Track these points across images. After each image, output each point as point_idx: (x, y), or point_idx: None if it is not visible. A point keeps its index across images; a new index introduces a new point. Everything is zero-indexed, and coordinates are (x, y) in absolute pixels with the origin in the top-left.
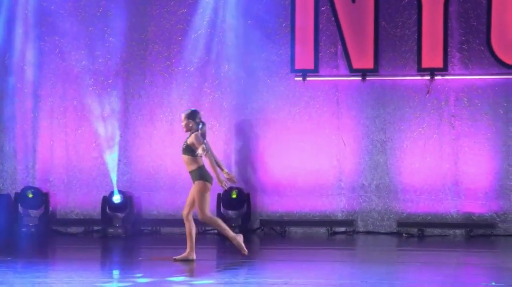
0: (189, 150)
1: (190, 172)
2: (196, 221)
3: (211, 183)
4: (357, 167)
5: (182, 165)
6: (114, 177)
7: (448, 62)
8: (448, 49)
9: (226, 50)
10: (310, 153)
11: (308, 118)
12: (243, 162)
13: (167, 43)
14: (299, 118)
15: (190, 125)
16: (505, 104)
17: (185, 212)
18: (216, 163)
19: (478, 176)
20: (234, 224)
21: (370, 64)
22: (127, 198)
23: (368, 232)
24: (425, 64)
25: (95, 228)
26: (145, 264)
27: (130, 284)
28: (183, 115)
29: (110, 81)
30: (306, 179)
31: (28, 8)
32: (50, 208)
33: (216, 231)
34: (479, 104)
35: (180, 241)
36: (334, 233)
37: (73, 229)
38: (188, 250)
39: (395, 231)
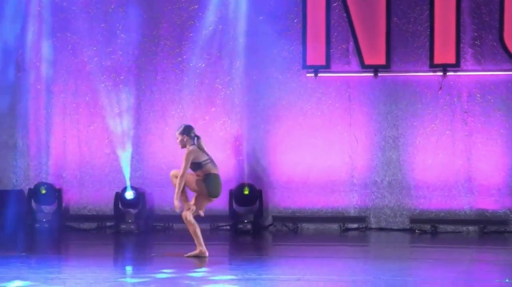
0: (194, 166)
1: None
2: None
3: (213, 194)
4: (370, 163)
5: None
6: (127, 173)
7: (461, 58)
8: (461, 45)
9: (237, 46)
10: (322, 149)
11: (320, 114)
12: (255, 158)
13: (178, 39)
14: (311, 114)
15: (185, 140)
16: None
17: (184, 214)
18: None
19: (491, 172)
20: (246, 221)
21: (382, 60)
22: (140, 194)
23: (381, 229)
24: (437, 60)
25: (108, 224)
26: (158, 260)
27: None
28: (177, 133)
29: (122, 77)
30: (318, 176)
31: (41, 4)
32: (63, 204)
33: (228, 227)
34: (492, 100)
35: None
36: (346, 229)
37: (86, 225)
38: (199, 248)
39: (407, 227)
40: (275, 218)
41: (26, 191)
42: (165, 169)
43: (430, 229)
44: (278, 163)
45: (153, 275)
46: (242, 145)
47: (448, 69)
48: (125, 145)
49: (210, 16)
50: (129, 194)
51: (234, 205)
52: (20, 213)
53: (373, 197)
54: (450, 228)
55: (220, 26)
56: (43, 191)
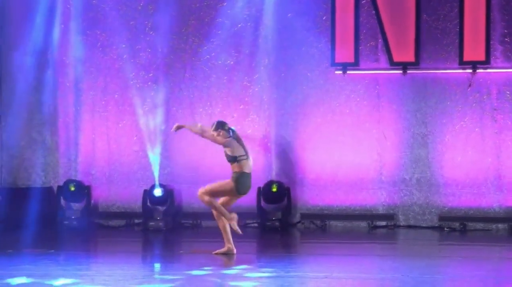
0: (230, 158)
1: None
2: None
3: (241, 192)
4: (398, 160)
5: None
6: (156, 170)
7: (490, 55)
8: (490, 42)
9: (265, 43)
10: (350, 146)
11: (348, 112)
12: (283, 156)
13: (207, 36)
14: (340, 111)
15: (221, 134)
16: None
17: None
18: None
19: None
20: (274, 218)
21: (411, 57)
22: (168, 192)
23: (409, 226)
24: (467, 57)
25: (136, 221)
26: (186, 258)
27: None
28: (212, 131)
29: (150, 74)
30: (346, 173)
31: (70, 2)
32: (92, 201)
33: (256, 224)
34: None
35: (220, 234)
36: (375, 227)
37: (114, 222)
38: (227, 245)
39: (436, 225)
40: (303, 216)
41: (55, 188)
42: (193, 167)
43: (459, 227)
44: (306, 160)
45: (181, 272)
46: (270, 143)
47: (477, 66)
48: (153, 142)
49: (239, 14)
50: (158, 191)
51: (262, 202)
52: (49, 211)
53: (402, 195)
54: (479, 225)
55: (249, 24)
56: (72, 189)
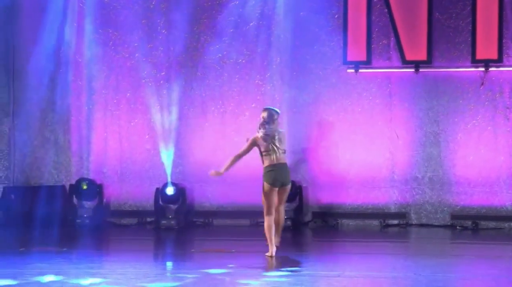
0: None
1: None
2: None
3: (270, 184)
4: (410, 159)
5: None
6: (168, 169)
7: (503, 53)
8: (503, 40)
9: (277, 42)
10: (362, 145)
11: (360, 110)
12: (295, 155)
13: (218, 35)
14: (352, 110)
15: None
16: None
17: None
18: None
19: None
20: (286, 217)
21: (423, 56)
22: (180, 190)
23: (422, 225)
24: (479, 55)
25: (148, 219)
26: (198, 256)
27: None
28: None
29: (163, 73)
30: (358, 171)
31: (82, 1)
32: (104, 200)
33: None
34: None
35: (232, 233)
36: (387, 225)
37: (126, 221)
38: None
39: (449, 224)
40: (315, 214)
41: (67, 187)
42: (205, 165)
43: (471, 226)
44: (318, 159)
45: (193, 271)
46: None
47: (490, 64)
48: (165, 141)
49: (251, 12)
50: (170, 190)
51: None
52: (61, 209)
53: (414, 193)
54: (491, 224)
55: (261, 22)
56: (84, 187)
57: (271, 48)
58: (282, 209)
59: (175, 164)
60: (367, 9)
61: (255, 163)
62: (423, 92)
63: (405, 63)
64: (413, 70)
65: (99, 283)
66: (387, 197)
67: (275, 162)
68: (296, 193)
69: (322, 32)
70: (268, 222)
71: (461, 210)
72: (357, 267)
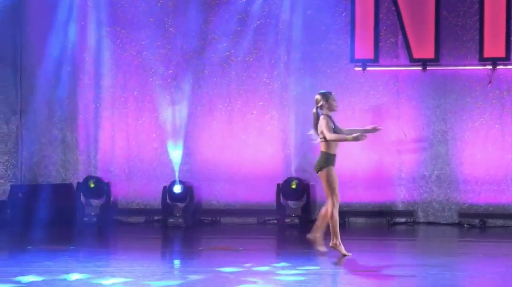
0: None
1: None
2: None
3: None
4: (418, 157)
5: (241, 155)
6: (176, 167)
7: (511, 51)
8: (511, 38)
9: (285, 40)
10: (370, 143)
11: (368, 108)
12: (303, 152)
13: (226, 33)
14: (359, 108)
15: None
16: None
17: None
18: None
19: None
20: (294, 215)
21: (431, 54)
22: (187, 188)
23: (429, 223)
24: (487, 53)
25: (156, 218)
26: (205, 254)
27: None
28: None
29: (170, 71)
30: (366, 170)
31: None
32: (112, 198)
33: (276, 221)
34: None
35: (239, 231)
36: (394, 223)
37: (134, 219)
38: (333, 238)
39: (456, 222)
40: None
41: (75, 185)
42: (213, 163)
43: (479, 224)
44: None
45: (200, 269)
46: (290, 139)
47: (497, 62)
48: (173, 139)
49: (258, 10)
50: (177, 188)
51: (282, 199)
52: (68, 207)
53: (421, 191)
54: (499, 222)
55: (268, 20)
56: (92, 185)
57: (279, 46)
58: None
59: (182, 162)
60: (375, 7)
61: (261, 161)
62: (431, 90)
63: (413, 61)
64: (420, 68)
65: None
66: (394, 195)
67: (326, 149)
68: (304, 191)
69: (330, 30)
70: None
71: (469, 208)
72: (364, 265)
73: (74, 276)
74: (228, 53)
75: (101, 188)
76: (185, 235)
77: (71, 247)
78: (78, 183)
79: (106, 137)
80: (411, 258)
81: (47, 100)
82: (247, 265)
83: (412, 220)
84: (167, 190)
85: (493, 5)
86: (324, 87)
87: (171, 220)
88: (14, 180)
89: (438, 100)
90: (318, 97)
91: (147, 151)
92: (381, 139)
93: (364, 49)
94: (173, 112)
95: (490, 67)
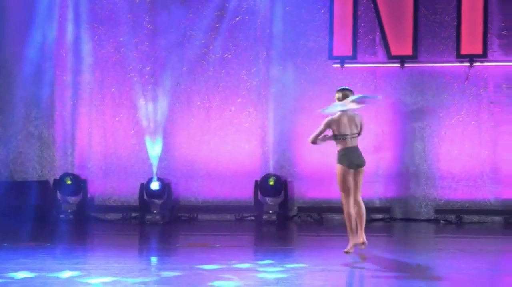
0: None
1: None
2: None
3: (346, 166)
4: (395, 153)
5: (219, 152)
6: (154, 164)
7: (488, 48)
8: (488, 35)
9: (263, 37)
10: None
11: None
12: (281, 149)
13: (204, 30)
14: None
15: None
16: None
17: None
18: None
19: None
20: (271, 211)
21: (408, 51)
22: (165, 185)
23: (406, 219)
24: (464, 50)
25: (133, 214)
26: (183, 251)
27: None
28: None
29: (148, 68)
30: None
31: None
32: (89, 195)
33: (253, 217)
34: None
35: (217, 227)
36: (371, 220)
37: (111, 216)
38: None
39: (432, 218)
40: (300, 209)
41: (51, 182)
42: (190, 160)
43: (455, 220)
44: (303, 154)
45: (178, 265)
46: (268, 136)
47: (474, 59)
48: (151, 136)
49: (237, 7)
50: (155, 185)
51: (259, 196)
52: (45, 204)
53: (398, 188)
54: (475, 218)
55: (247, 17)
56: (68, 182)
57: (257, 43)
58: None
59: (160, 159)
60: (353, 4)
61: (239, 157)
62: (409, 87)
63: (391, 58)
64: (398, 65)
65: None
66: (371, 192)
67: (347, 145)
68: (281, 188)
69: (308, 27)
70: (348, 209)
71: (445, 204)
72: (341, 261)
73: (50, 274)
74: (206, 49)
75: (78, 185)
76: (162, 232)
77: (48, 245)
78: (54, 180)
79: (83, 134)
80: (388, 254)
81: (24, 97)
82: (225, 261)
83: (389, 216)
84: (145, 187)
85: (471, 2)
86: (302, 83)
87: (148, 217)
88: None
89: (415, 96)
90: (338, 94)
91: (125, 148)
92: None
93: (343, 46)
94: (151, 109)
95: (467, 64)
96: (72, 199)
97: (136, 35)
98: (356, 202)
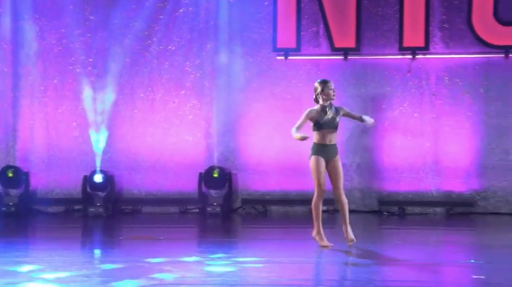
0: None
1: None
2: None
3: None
4: (339, 146)
5: (163, 144)
6: (97, 156)
7: (430, 41)
8: (429, 28)
9: (207, 29)
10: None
11: (290, 97)
12: (225, 142)
13: (148, 21)
14: (281, 97)
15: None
16: (485, 83)
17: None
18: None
19: (458, 154)
20: (216, 203)
21: (352, 43)
22: (108, 177)
23: (350, 211)
24: (406, 43)
25: (76, 207)
26: (126, 244)
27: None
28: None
29: (90, 59)
30: (288, 158)
31: None
32: (31, 187)
33: (197, 210)
34: (460, 83)
35: (161, 220)
36: None
37: (53, 209)
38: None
39: (376, 209)
40: (245, 201)
41: None
42: (134, 152)
43: (398, 211)
44: (248, 146)
45: (120, 258)
46: (212, 128)
47: (417, 52)
48: (94, 128)
49: None
50: (98, 177)
51: (204, 188)
52: None
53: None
54: (417, 210)
55: (191, 9)
56: (10, 175)
57: (201, 34)
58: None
59: (103, 151)
60: None
61: (183, 150)
62: (352, 79)
63: (334, 50)
64: (342, 57)
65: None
66: None
67: (325, 142)
68: (226, 180)
69: (253, 19)
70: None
71: (388, 196)
72: (286, 253)
73: None
74: (150, 41)
75: (19, 177)
76: (105, 224)
77: None
78: None
79: (25, 126)
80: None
81: None
82: (169, 254)
83: (332, 208)
84: (88, 179)
85: None
86: (246, 75)
87: (91, 209)
88: None
89: (359, 89)
90: (316, 85)
91: (67, 140)
92: (302, 128)
93: (286, 38)
94: (94, 101)
95: (410, 56)
96: (14, 192)
97: (78, 27)
98: (335, 197)
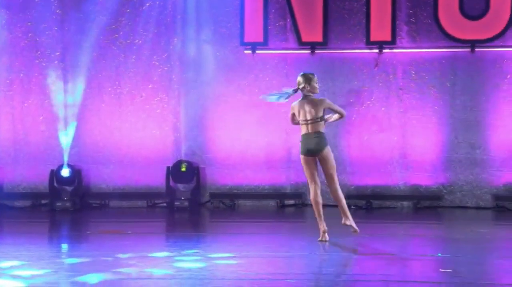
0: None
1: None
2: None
3: (302, 153)
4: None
5: (130, 138)
6: (64, 150)
7: (396, 35)
8: (396, 22)
9: (174, 22)
10: (259, 126)
11: (257, 91)
12: (193, 136)
13: (115, 15)
14: (249, 91)
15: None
16: (451, 77)
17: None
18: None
19: (425, 148)
20: (184, 197)
21: (319, 38)
22: (76, 172)
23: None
24: (373, 37)
25: (43, 201)
26: (93, 238)
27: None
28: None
29: (57, 53)
30: (255, 152)
31: None
32: None
33: (165, 204)
34: (426, 77)
35: (128, 214)
36: (283, 205)
37: (20, 203)
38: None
39: None
40: (213, 195)
41: None
42: (101, 147)
43: (366, 205)
44: (215, 140)
45: (88, 253)
46: (180, 122)
47: (384, 46)
48: (61, 122)
49: None
50: (65, 172)
51: (171, 182)
52: None
53: None
54: (385, 203)
55: (157, 2)
56: None
57: (169, 28)
58: (334, 187)
59: (71, 146)
60: None
61: (151, 144)
62: (319, 73)
63: (302, 44)
64: (309, 51)
65: None
66: (283, 178)
67: (306, 131)
68: (194, 174)
69: (220, 13)
70: (312, 196)
71: (356, 190)
72: (254, 247)
73: None
74: (117, 35)
75: None
76: (73, 219)
77: None
78: None
79: None
80: (300, 239)
81: None
82: (136, 248)
83: (300, 202)
84: (55, 174)
85: None
86: (214, 69)
87: (58, 203)
88: None
89: (326, 83)
90: (300, 79)
91: (34, 134)
92: (270, 122)
93: (254, 32)
94: (60, 95)
95: (377, 50)
96: None
97: (45, 20)
98: (331, 191)
